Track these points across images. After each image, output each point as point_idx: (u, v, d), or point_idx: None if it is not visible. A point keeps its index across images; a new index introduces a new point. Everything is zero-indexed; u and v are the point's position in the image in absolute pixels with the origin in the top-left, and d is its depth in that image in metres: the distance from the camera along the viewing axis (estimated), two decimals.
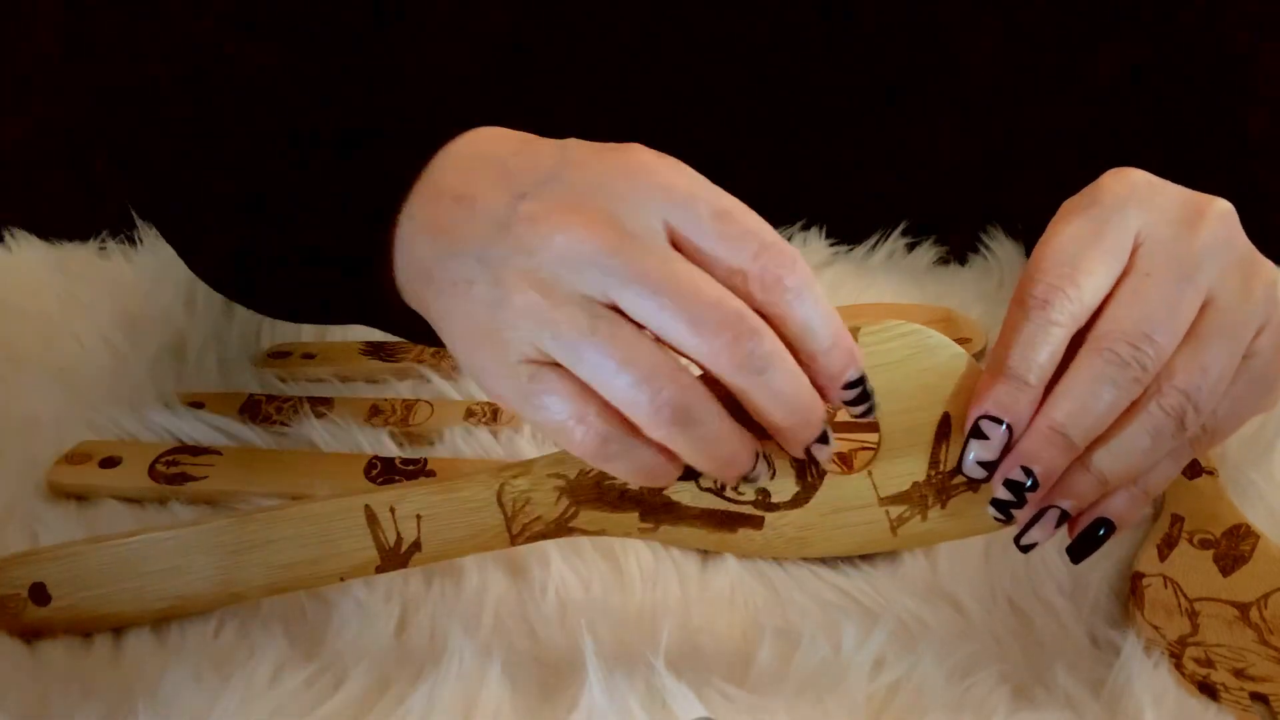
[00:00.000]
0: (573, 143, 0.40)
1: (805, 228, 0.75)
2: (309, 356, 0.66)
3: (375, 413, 0.60)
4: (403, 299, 0.43)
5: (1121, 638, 0.44)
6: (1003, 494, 0.40)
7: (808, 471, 0.42)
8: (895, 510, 0.42)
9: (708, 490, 0.42)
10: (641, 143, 0.40)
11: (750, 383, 0.37)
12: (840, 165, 0.73)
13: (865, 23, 0.70)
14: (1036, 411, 0.39)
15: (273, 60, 0.57)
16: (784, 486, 0.42)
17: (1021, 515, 0.40)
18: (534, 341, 0.37)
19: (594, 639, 0.42)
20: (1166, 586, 0.46)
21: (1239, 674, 0.42)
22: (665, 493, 0.42)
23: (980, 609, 0.46)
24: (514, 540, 0.44)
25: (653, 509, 0.43)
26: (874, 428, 0.41)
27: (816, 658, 0.43)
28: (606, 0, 0.68)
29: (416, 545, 0.44)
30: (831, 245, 0.74)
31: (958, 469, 0.40)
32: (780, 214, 0.75)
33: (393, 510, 0.44)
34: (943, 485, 0.41)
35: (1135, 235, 0.40)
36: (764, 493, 0.42)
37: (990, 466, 0.40)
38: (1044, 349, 0.39)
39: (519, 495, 0.43)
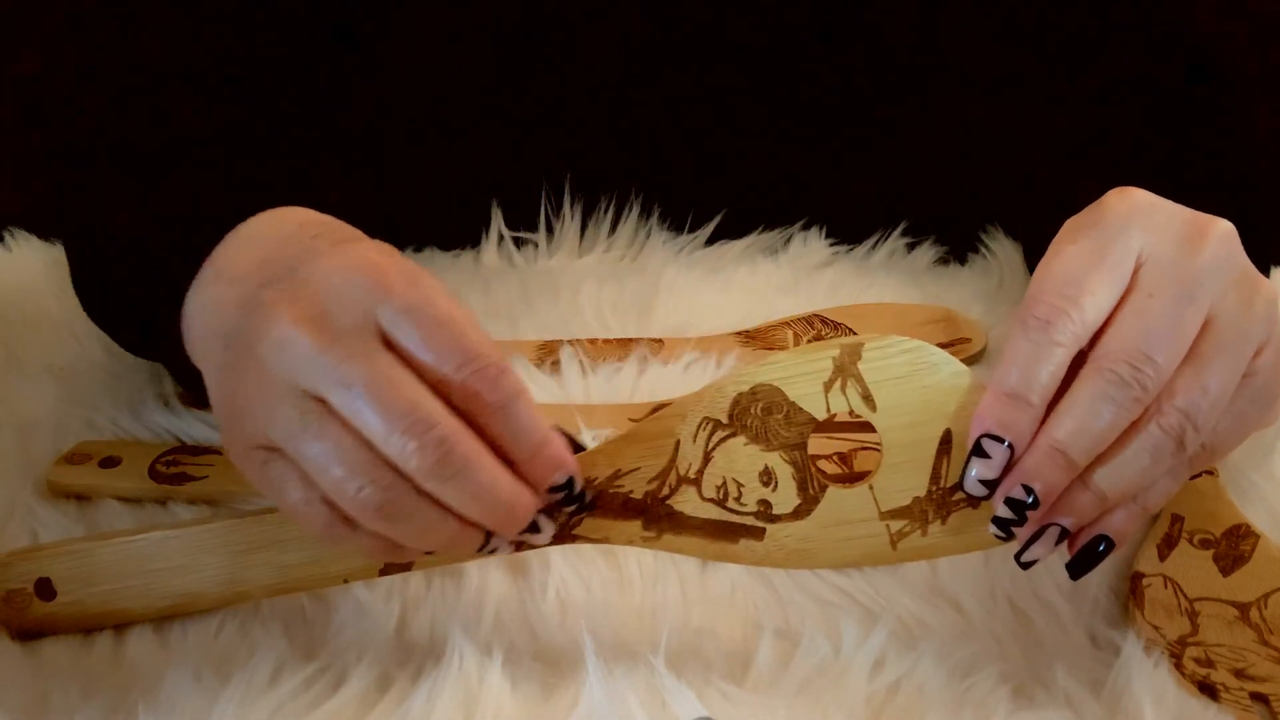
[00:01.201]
0: (324, 233, 0.41)
1: (805, 228, 0.75)
2: None
3: None
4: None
5: (1121, 638, 0.44)
6: (1004, 512, 0.40)
7: (809, 484, 0.42)
8: (896, 525, 0.42)
9: (710, 500, 0.42)
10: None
11: (439, 488, 0.38)
12: (840, 165, 0.73)
13: (865, 23, 0.70)
14: (1038, 430, 0.39)
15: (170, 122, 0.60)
16: (786, 498, 0.42)
17: (1022, 533, 0.40)
18: (260, 429, 0.39)
19: (594, 639, 0.42)
20: (1166, 586, 0.46)
21: (1239, 674, 0.42)
22: (669, 502, 0.42)
23: (980, 609, 0.46)
24: (517, 547, 0.44)
25: (655, 518, 0.43)
26: (874, 428, 0.41)
27: (816, 658, 0.43)
28: (606, 0, 0.68)
29: None
30: (831, 245, 0.74)
31: (959, 485, 0.41)
32: (780, 214, 0.75)
33: None
34: (943, 501, 0.41)
35: (1137, 255, 0.41)
36: (766, 504, 0.42)
37: (991, 484, 0.40)
38: (1046, 368, 0.39)
39: None
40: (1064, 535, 0.41)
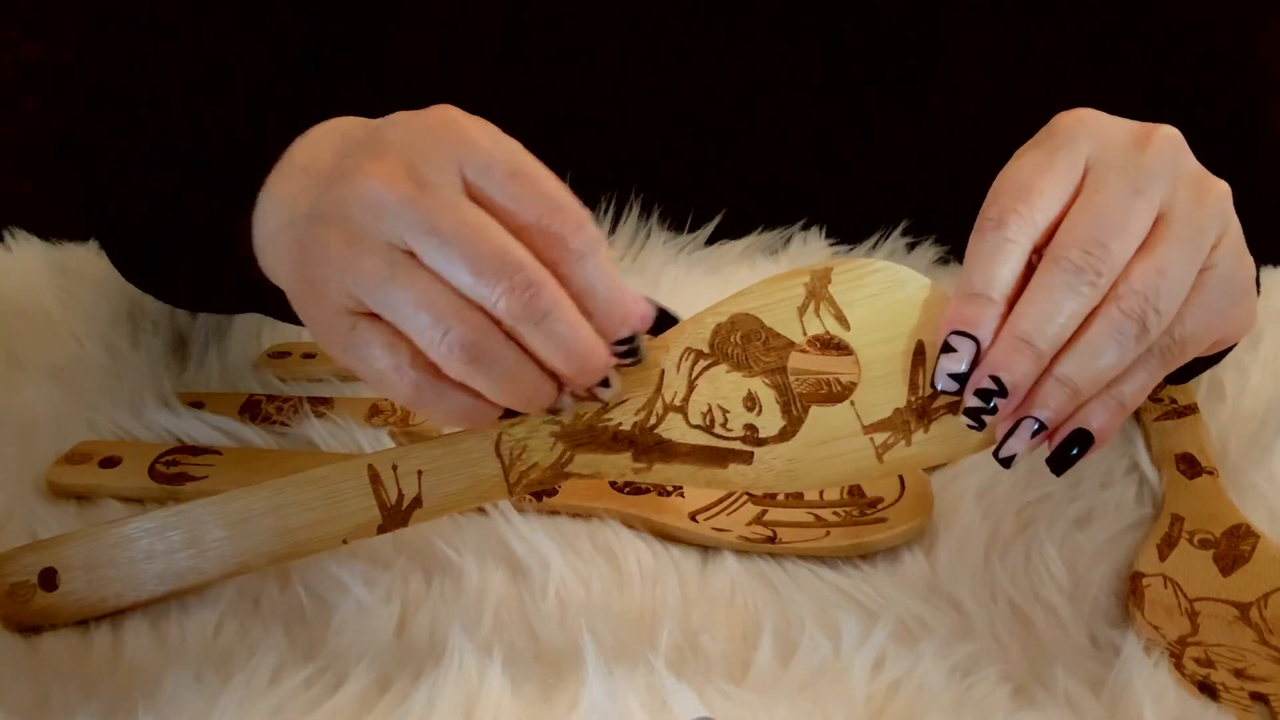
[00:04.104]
0: (399, 113, 0.43)
1: (805, 227, 0.75)
2: (309, 356, 0.66)
3: (375, 412, 0.60)
4: (265, 275, 0.46)
5: (1121, 638, 0.44)
6: (974, 402, 0.41)
7: (792, 406, 0.43)
8: (880, 437, 0.43)
9: (697, 427, 0.43)
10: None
11: (527, 330, 0.39)
12: (840, 165, 0.73)
13: (866, 22, 0.70)
14: (1003, 325, 0.40)
15: (195, 63, 0.61)
16: (770, 421, 0.43)
17: (999, 428, 0.41)
18: (348, 290, 0.40)
19: (594, 639, 0.42)
20: (1166, 586, 0.46)
21: (1239, 674, 0.42)
22: (656, 430, 0.43)
23: (980, 609, 0.46)
24: (512, 490, 0.44)
25: (645, 449, 0.44)
26: (849, 346, 0.43)
27: (816, 658, 0.43)
28: (606, 1, 0.68)
29: (418, 501, 0.45)
30: (831, 245, 0.74)
31: (935, 391, 0.42)
32: (780, 214, 0.75)
33: (395, 468, 0.45)
34: (924, 409, 0.42)
35: (1085, 159, 0.42)
36: (752, 428, 0.43)
37: (961, 379, 0.41)
38: (1003, 265, 0.40)
39: (516, 444, 0.44)
40: (1040, 430, 0.41)
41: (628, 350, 0.42)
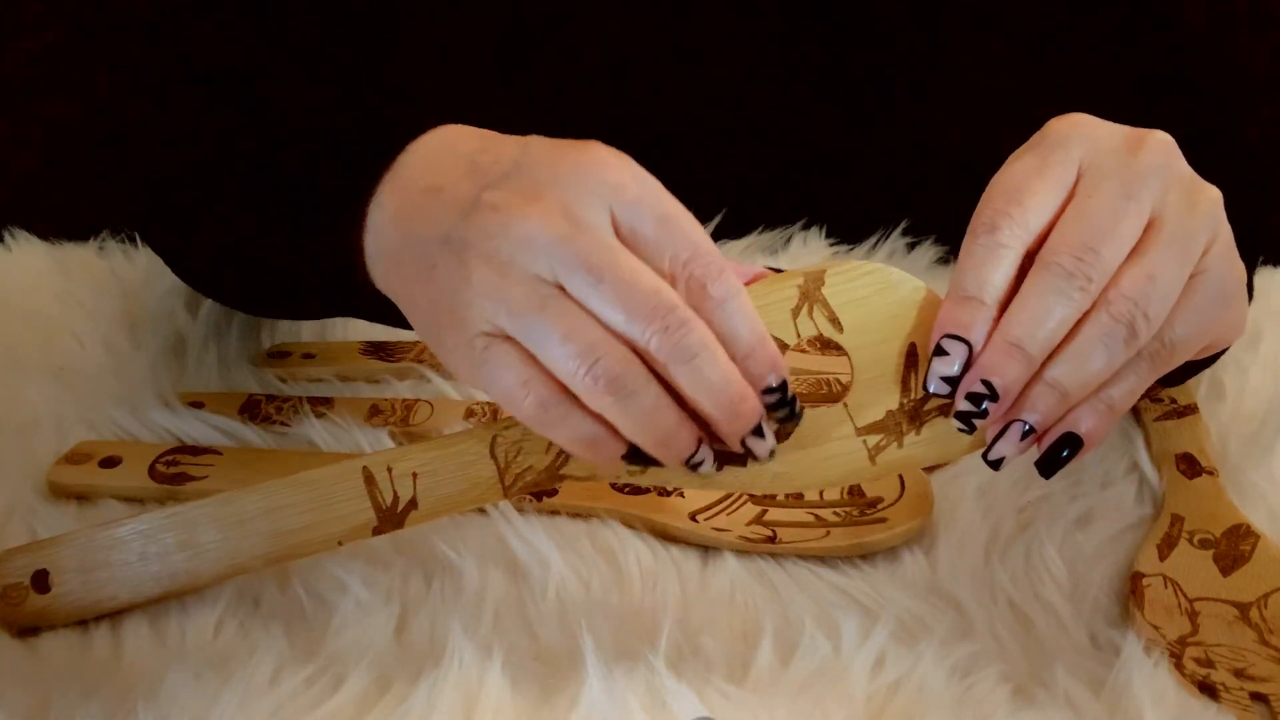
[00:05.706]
0: (534, 139, 0.43)
1: (805, 227, 0.75)
2: (309, 356, 0.66)
3: (375, 413, 0.60)
4: (373, 285, 0.45)
5: (1121, 638, 0.44)
6: (965, 406, 0.41)
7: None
8: (872, 439, 0.43)
9: None
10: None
11: (679, 370, 0.39)
12: (841, 165, 0.73)
13: (866, 22, 0.70)
14: (994, 329, 0.41)
15: (259, 67, 0.60)
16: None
17: (989, 431, 0.41)
18: (489, 317, 0.40)
19: (594, 639, 0.42)
20: (1166, 586, 0.46)
21: (1239, 674, 0.42)
22: None
23: (980, 609, 0.46)
24: (507, 492, 0.44)
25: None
26: (843, 348, 0.43)
27: (816, 658, 0.43)
28: (605, 1, 0.68)
29: (413, 503, 0.45)
30: (831, 245, 0.74)
31: (927, 394, 0.42)
32: (780, 213, 0.75)
33: (390, 470, 0.45)
34: (915, 412, 0.43)
35: (1078, 164, 0.42)
36: None
37: (953, 382, 0.41)
38: (995, 270, 0.41)
39: (511, 445, 0.44)
40: (1029, 433, 0.41)
41: (779, 401, 0.41)
